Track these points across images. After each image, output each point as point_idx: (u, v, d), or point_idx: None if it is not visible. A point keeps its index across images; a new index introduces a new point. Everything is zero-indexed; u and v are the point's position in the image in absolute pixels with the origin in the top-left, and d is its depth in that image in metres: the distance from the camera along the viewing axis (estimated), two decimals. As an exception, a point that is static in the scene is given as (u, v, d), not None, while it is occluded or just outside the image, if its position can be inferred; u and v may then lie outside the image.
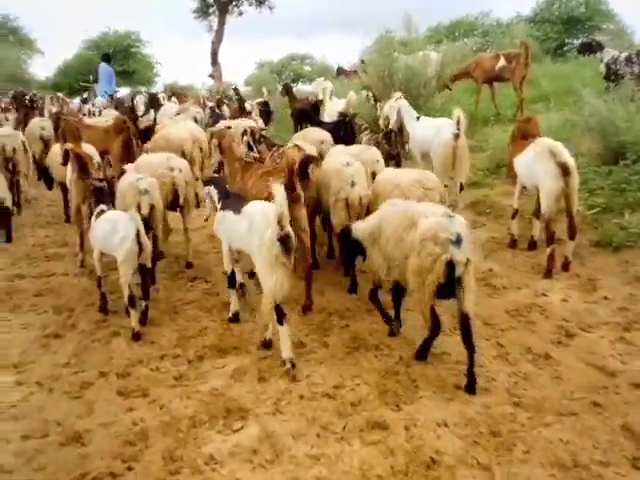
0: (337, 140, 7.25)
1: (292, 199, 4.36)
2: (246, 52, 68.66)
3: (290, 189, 4.32)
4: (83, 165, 5.80)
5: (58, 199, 8.33)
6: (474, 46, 21.81)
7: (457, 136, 6.53)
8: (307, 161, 5.34)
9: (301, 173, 5.35)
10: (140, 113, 11.48)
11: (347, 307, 4.98)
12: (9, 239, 7.11)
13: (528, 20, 22.81)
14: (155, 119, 11.92)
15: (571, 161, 5.23)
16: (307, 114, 10.90)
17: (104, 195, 5.00)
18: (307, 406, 3.61)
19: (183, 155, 7.57)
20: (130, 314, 4.58)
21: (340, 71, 21.34)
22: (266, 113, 13.52)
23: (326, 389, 3.77)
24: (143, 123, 10.40)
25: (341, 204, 5.24)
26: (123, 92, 17.87)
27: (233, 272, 4.76)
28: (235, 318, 4.81)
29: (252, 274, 4.99)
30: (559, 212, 5.48)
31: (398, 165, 6.75)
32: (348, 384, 3.82)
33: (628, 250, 5.59)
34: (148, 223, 5.22)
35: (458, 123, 6.47)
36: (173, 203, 5.92)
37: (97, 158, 6.83)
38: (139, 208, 5.19)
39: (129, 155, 7.78)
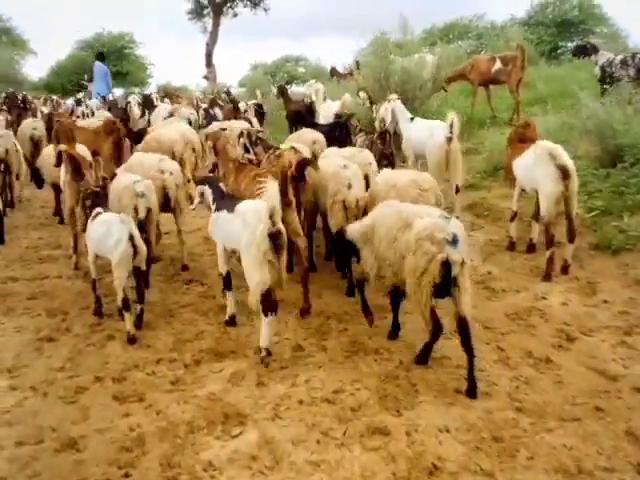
0: (333, 142, 7.22)
1: (284, 203, 4.37)
2: (240, 54, 68.63)
3: (282, 193, 4.30)
4: (77, 167, 5.72)
5: (51, 200, 8.26)
6: (468, 48, 21.81)
7: (450, 139, 6.57)
8: (304, 164, 5.33)
9: (298, 176, 5.35)
10: (136, 115, 11.43)
11: (345, 310, 4.93)
12: (1, 241, 7.03)
13: (522, 23, 22.85)
14: (149, 121, 11.89)
15: (571, 164, 5.22)
16: (302, 116, 10.89)
17: (100, 198, 4.94)
18: (307, 411, 3.55)
19: (174, 157, 7.54)
20: (124, 317, 4.51)
21: (333, 73, 21.26)
22: (259, 115, 13.49)
23: (326, 394, 3.72)
24: (139, 125, 10.35)
25: (338, 206, 5.25)
26: (116, 93, 17.80)
27: (229, 273, 4.71)
28: (232, 321, 4.75)
29: None
30: (558, 215, 5.46)
31: (391, 165, 6.74)
32: (348, 389, 3.77)
33: (627, 253, 5.57)
34: (143, 226, 5.17)
35: (451, 126, 6.49)
36: (163, 206, 5.86)
37: (89, 158, 6.77)
38: (136, 211, 5.16)
39: (119, 156, 7.74)
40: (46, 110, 14.56)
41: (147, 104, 13.05)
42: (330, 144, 7.07)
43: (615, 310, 4.74)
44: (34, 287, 5.64)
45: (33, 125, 9.50)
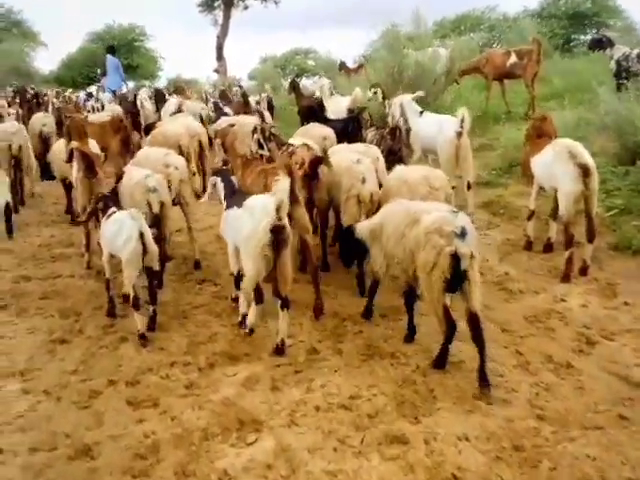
0: (346, 137, 7.14)
1: (292, 199, 4.35)
2: (251, 46, 68.68)
3: (290, 189, 4.33)
4: (90, 164, 5.69)
5: (63, 197, 8.20)
6: (480, 41, 21.62)
7: (460, 134, 6.50)
8: (317, 162, 5.29)
9: (311, 174, 5.30)
10: (147, 110, 11.39)
11: (360, 312, 4.85)
12: (10, 235, 7.06)
13: (535, 15, 22.62)
14: (159, 115, 11.84)
15: (591, 162, 5.10)
16: (314, 111, 10.76)
17: (112, 200, 4.90)
18: (323, 418, 3.49)
19: (181, 151, 7.55)
20: (131, 303, 4.46)
21: (342, 67, 20.94)
22: (270, 109, 13.40)
23: (342, 400, 3.65)
24: (151, 119, 10.32)
25: (353, 201, 5.21)
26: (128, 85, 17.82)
27: (239, 272, 4.65)
28: (245, 321, 4.69)
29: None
30: (577, 214, 5.35)
31: (400, 161, 6.64)
32: (364, 394, 3.70)
33: (647, 254, 5.45)
34: (158, 221, 5.19)
35: (462, 121, 6.41)
36: None
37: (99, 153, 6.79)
38: (149, 206, 5.14)
39: (126, 152, 7.72)
40: (58, 103, 14.56)
41: (159, 98, 13.00)
42: (343, 139, 6.99)
43: (636, 313, 4.63)
44: (47, 286, 5.61)
45: (43, 121, 9.47)
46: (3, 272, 6.01)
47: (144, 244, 4.39)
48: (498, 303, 4.94)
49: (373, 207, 5.11)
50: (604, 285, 5.12)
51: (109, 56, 15.85)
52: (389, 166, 5.83)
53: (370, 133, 7.43)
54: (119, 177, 5.50)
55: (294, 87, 12.61)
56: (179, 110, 11.26)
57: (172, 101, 12.43)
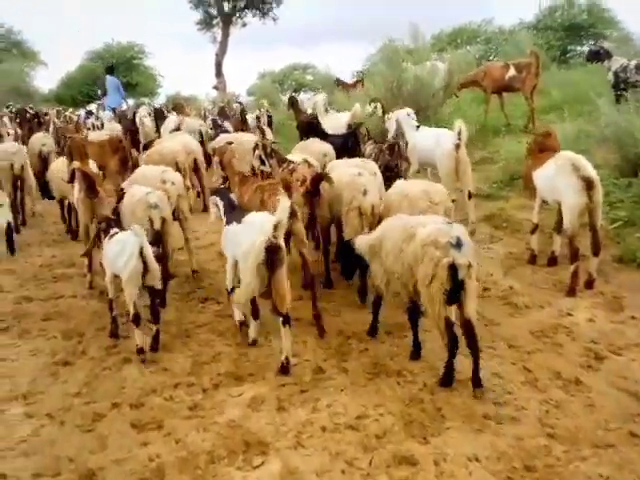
0: (346, 152, 7.14)
1: (291, 214, 4.36)
2: (250, 63, 69.05)
3: None
4: (91, 184, 5.68)
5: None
6: (477, 53, 21.74)
7: (458, 146, 6.53)
8: (319, 178, 5.30)
9: (313, 190, 5.31)
10: (147, 128, 11.42)
11: (365, 329, 4.80)
12: (12, 252, 7.13)
13: (531, 27, 22.71)
14: (160, 134, 11.87)
15: (595, 175, 5.09)
16: (313, 127, 10.76)
17: (114, 222, 4.90)
18: (330, 439, 3.43)
19: (178, 168, 7.63)
20: (135, 332, 4.44)
21: (338, 83, 20.74)
22: (269, 125, 13.42)
23: (349, 420, 3.60)
24: (150, 137, 10.35)
25: (354, 213, 5.21)
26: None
27: (234, 288, 4.65)
28: (242, 324, 4.79)
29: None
30: (581, 227, 5.32)
31: (397, 177, 6.62)
32: (371, 414, 3.65)
33: (653, 266, 5.42)
34: (160, 238, 5.24)
35: (459, 134, 6.43)
36: None
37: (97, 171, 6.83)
38: (151, 223, 5.17)
39: (124, 171, 7.74)
40: (59, 123, 14.62)
41: (158, 116, 13.05)
42: (342, 154, 6.99)
43: (643, 327, 4.59)
44: (49, 307, 5.57)
45: (42, 141, 9.48)
46: (5, 293, 5.98)
47: (145, 262, 4.36)
48: (503, 318, 4.90)
49: (375, 220, 5.09)
50: (610, 298, 5.08)
51: (108, 76, 15.92)
52: (386, 182, 5.84)
53: (369, 147, 7.42)
54: (120, 197, 5.49)
55: (292, 103, 12.65)
56: (179, 128, 11.28)
57: (172, 118, 12.47)
